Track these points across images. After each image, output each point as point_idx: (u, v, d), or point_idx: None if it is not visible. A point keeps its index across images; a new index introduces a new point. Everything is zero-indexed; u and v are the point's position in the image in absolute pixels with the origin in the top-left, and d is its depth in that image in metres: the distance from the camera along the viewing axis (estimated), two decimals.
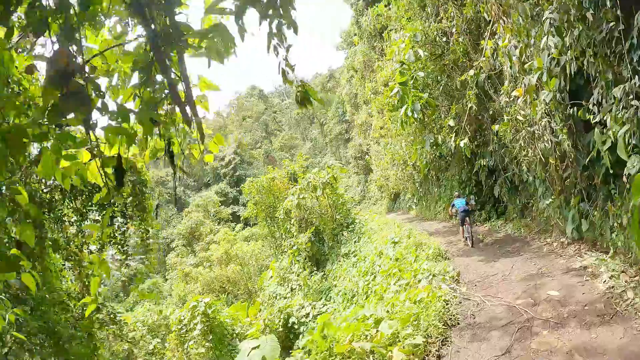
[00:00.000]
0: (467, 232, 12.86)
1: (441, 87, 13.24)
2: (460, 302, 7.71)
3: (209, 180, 55.04)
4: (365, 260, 16.27)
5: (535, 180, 11.05)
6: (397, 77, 12.24)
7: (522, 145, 9.57)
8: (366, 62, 29.45)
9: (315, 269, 21.87)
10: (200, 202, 36.52)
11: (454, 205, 13.43)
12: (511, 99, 9.49)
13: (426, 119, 12.39)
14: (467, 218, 12.84)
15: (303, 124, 76.49)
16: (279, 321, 18.05)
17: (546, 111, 8.44)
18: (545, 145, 8.69)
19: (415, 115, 11.72)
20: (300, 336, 16.90)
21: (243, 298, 25.72)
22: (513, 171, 13.40)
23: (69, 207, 10.07)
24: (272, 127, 79.73)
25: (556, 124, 8.34)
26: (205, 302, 18.35)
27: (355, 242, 19.40)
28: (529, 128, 9.12)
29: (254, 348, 13.57)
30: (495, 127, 10.50)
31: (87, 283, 10.64)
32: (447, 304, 7.50)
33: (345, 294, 15.99)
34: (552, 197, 10.05)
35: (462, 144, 11.28)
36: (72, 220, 10.30)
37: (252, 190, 26.63)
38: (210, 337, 18.10)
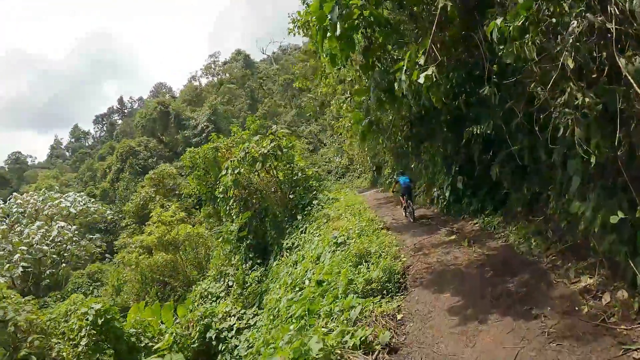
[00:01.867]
0: (409, 207, 13.02)
1: None
2: None
3: (179, 150, 49.81)
4: (299, 263, 11.48)
5: (570, 161, 5.99)
6: None
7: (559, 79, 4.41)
8: None
9: (259, 261, 17.12)
10: (153, 176, 31.42)
11: (397, 181, 13.83)
12: None
13: (375, 46, 7.11)
14: (409, 194, 13.18)
15: (291, 90, 70.35)
16: (196, 333, 13.50)
17: None
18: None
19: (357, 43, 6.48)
20: (220, 356, 12.72)
21: (181, 292, 21.18)
22: (523, 143, 8.35)
23: None
24: (259, 95, 73.54)
25: None
26: (95, 309, 13.71)
27: (302, 232, 14.46)
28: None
29: None
30: (494, 30, 5.22)
31: None
32: None
33: (269, 309, 11.37)
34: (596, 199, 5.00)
35: (421, 80, 6.00)
36: None
37: (194, 161, 21.59)
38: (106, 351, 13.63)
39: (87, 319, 13.47)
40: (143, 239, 23.46)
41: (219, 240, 16.63)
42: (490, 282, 6.36)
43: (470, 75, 10.08)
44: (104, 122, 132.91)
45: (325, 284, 7.64)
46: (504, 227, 9.49)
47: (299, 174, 19.60)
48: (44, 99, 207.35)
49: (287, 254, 14.51)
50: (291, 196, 18.13)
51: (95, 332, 13.41)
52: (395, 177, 16.48)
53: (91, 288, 27.49)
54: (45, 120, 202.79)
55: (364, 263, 8.04)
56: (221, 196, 18.09)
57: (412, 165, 15.74)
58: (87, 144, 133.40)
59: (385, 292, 6.88)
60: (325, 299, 6.91)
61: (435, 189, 13.46)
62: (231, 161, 16.63)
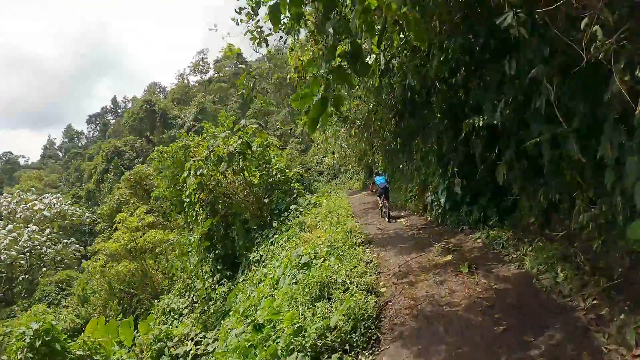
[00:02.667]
0: (385, 207, 12.84)
1: None
2: None
3: None
4: (261, 283, 9.38)
5: (631, 158, 3.85)
6: None
7: None
8: None
9: (229, 274, 15.00)
10: (129, 177, 29.09)
11: (374, 182, 13.72)
12: None
13: None
14: (386, 194, 12.90)
15: (285, 89, 67.95)
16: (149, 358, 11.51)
17: None
18: None
19: None
20: None
21: (148, 305, 18.99)
22: (541, 135, 6.25)
23: None
24: (252, 93, 70.87)
25: None
26: (34, 329, 11.61)
27: (271, 242, 12.30)
28: None
29: None
30: None
31: None
32: None
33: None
34: None
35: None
36: None
37: (163, 162, 19.40)
38: None
39: (24, 340, 11.32)
40: (107, 247, 21.26)
41: (173, 253, 14.47)
42: (502, 341, 4.17)
43: (471, 47, 7.93)
44: (97, 122, 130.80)
45: (266, 328, 5.46)
46: (514, 246, 7.31)
47: (278, 176, 17.46)
48: (40, 98, 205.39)
49: (255, 268, 12.35)
50: (266, 200, 15.96)
51: (31, 355, 11.27)
52: (373, 177, 16.63)
53: (59, 297, 25.25)
54: (41, 120, 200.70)
55: (326, 298, 5.85)
56: (187, 200, 15.88)
57: (402, 166, 13.56)
58: (80, 144, 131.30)
59: (347, 347, 4.70)
60: (260, 356, 4.73)
61: (429, 194, 11.28)
62: (194, 160, 14.43)
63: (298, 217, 14.60)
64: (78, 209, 37.92)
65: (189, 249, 16.12)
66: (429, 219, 11.42)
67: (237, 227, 14.34)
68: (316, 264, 7.47)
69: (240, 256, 14.18)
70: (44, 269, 33.22)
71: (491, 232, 8.39)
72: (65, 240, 33.30)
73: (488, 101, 8.08)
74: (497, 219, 8.96)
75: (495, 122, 7.64)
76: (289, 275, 7.69)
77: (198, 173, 14.27)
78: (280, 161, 18.73)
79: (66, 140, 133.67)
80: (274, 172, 17.74)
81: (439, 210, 10.40)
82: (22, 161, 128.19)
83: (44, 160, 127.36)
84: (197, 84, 67.34)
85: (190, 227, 17.10)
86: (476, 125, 8.23)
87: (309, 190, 33.69)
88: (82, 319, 21.45)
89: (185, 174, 14.60)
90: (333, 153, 24.41)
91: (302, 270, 7.53)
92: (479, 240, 8.37)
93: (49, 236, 31.60)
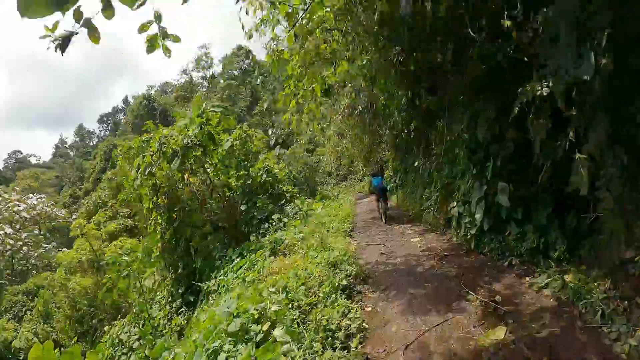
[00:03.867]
0: (382, 208, 12.16)
1: None
2: None
3: None
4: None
5: None
6: None
7: None
8: None
9: (192, 299, 11.81)
10: (112, 176, 25.88)
11: (371, 182, 13.15)
12: None
13: None
14: (383, 195, 12.27)
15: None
16: None
17: None
18: None
19: None
20: None
21: (109, 327, 15.87)
22: None
23: None
24: (261, 92, 67.91)
25: None
26: None
27: (232, 268, 8.97)
28: None
29: None
30: None
31: None
32: None
33: None
34: None
35: None
36: None
37: (128, 158, 16.24)
38: None
39: None
40: (65, 257, 18.27)
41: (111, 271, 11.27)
42: None
43: None
44: (108, 122, 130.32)
45: None
46: (627, 310, 3.81)
47: (263, 177, 14.14)
48: (57, 99, 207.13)
49: (213, 299, 9.05)
50: (242, 208, 12.63)
51: None
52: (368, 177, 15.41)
53: (24, 309, 22.37)
54: (57, 120, 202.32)
55: None
56: (146, 206, 12.68)
57: (417, 163, 10.07)
58: (91, 143, 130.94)
59: None
60: None
61: (455, 203, 7.77)
62: (143, 156, 11.23)
63: (282, 229, 11.29)
64: (62, 211, 35.27)
65: (148, 266, 12.98)
66: (455, 239, 7.91)
67: (196, 242, 11.04)
68: (249, 338, 4.07)
69: (199, 280, 10.92)
70: (34, 272, 30.77)
71: (568, 274, 4.87)
72: (45, 245, 30.56)
73: (557, 58, 4.68)
74: (566, 250, 5.50)
75: (585, 77, 4.17)
76: (212, 349, 4.29)
77: (147, 172, 11.08)
78: (269, 159, 15.43)
79: (77, 139, 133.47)
80: (259, 173, 14.46)
81: (472, 230, 6.88)
82: (33, 160, 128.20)
83: (54, 159, 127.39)
84: (200, 80, 64.42)
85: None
86: (539, 93, 4.82)
87: (313, 193, 30.36)
88: (42, 338, 18.54)
89: (133, 173, 11.43)
90: (324, 146, 21.00)
91: (234, 339, 4.15)
92: (545, 291, 4.85)
93: (26, 240, 28.87)
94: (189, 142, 10.26)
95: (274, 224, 11.67)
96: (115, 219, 20.11)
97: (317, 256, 7.09)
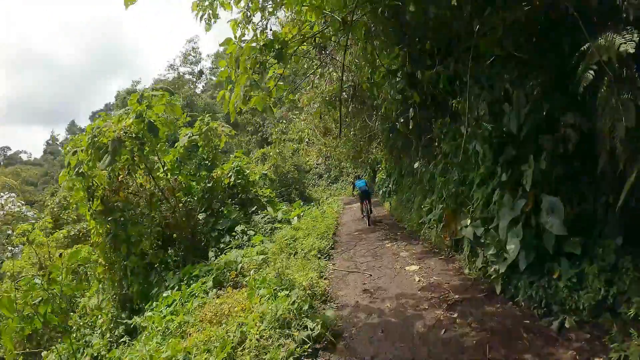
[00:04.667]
0: (366, 211, 11.75)
1: None
2: None
3: None
4: None
5: None
6: None
7: None
8: None
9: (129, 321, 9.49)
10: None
11: (355, 186, 12.78)
12: None
13: None
14: (367, 198, 11.81)
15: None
16: None
17: None
18: None
19: None
20: None
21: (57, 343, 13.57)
22: None
23: None
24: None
25: None
26: None
27: (164, 300, 6.52)
28: None
29: None
30: None
31: None
32: None
33: None
34: None
35: None
36: None
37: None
38: None
39: None
40: (7, 267, 15.89)
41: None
42: None
43: None
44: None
45: None
46: None
47: (232, 179, 11.88)
48: (54, 96, 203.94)
49: (142, 341, 6.72)
50: (200, 217, 10.33)
51: None
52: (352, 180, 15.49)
53: None
54: (53, 117, 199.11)
55: None
56: (81, 213, 10.40)
57: (417, 166, 7.78)
58: None
59: None
60: None
61: (467, 221, 5.49)
62: (74, 152, 8.97)
63: (246, 244, 9.02)
64: (32, 212, 32.85)
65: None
66: (467, 272, 5.63)
67: (134, 261, 8.72)
68: None
69: (135, 299, 8.66)
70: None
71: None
72: (10, 248, 28.16)
73: None
74: None
75: None
76: None
77: (76, 172, 8.83)
78: (240, 158, 13.13)
79: (69, 136, 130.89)
80: (229, 174, 12.20)
81: (498, 265, 4.60)
82: (24, 157, 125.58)
83: (44, 156, 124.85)
84: (189, 75, 61.74)
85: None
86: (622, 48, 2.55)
87: (302, 196, 28.07)
88: None
89: (61, 173, 9.20)
90: (300, 142, 18.78)
91: None
92: None
93: None
94: (121, 134, 8.00)
95: (236, 237, 9.38)
96: (70, 225, 17.66)
97: (269, 298, 4.82)
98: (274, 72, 5.49)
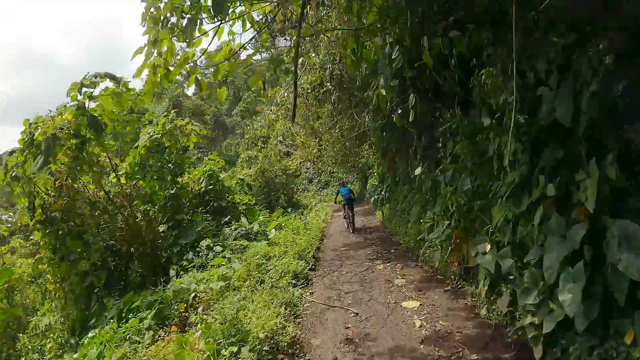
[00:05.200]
0: (349, 217, 11.79)
1: None
2: None
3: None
4: None
5: None
6: None
7: None
8: None
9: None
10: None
11: (339, 193, 12.31)
12: None
13: None
14: (350, 205, 11.69)
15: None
16: None
17: None
18: None
19: None
20: None
21: None
22: None
23: None
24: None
25: None
26: None
27: (112, 315, 4.99)
28: None
29: None
30: None
31: None
32: None
33: None
34: None
35: None
36: None
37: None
38: None
39: None
40: None
41: None
42: None
43: None
44: None
45: None
46: None
47: (203, 185, 10.42)
48: (54, 96, 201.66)
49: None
50: (161, 228, 8.84)
51: None
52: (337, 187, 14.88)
53: None
54: None
55: None
56: (24, 222, 8.90)
57: (418, 172, 6.37)
58: None
59: None
60: None
61: (486, 247, 4.08)
62: (10, 153, 7.57)
63: (210, 262, 7.55)
64: (7, 216, 31.02)
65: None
66: (485, 315, 4.23)
67: (75, 283, 7.23)
68: None
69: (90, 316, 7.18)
70: None
71: None
72: None
73: None
74: None
75: None
76: None
77: (10, 174, 7.39)
78: (214, 162, 11.66)
79: None
80: (200, 180, 10.76)
81: (542, 325, 3.16)
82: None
83: None
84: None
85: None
86: None
87: (290, 202, 26.55)
88: None
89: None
90: (282, 141, 17.44)
91: None
92: None
93: None
94: (57, 131, 6.56)
95: (200, 254, 7.90)
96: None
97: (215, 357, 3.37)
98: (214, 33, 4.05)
